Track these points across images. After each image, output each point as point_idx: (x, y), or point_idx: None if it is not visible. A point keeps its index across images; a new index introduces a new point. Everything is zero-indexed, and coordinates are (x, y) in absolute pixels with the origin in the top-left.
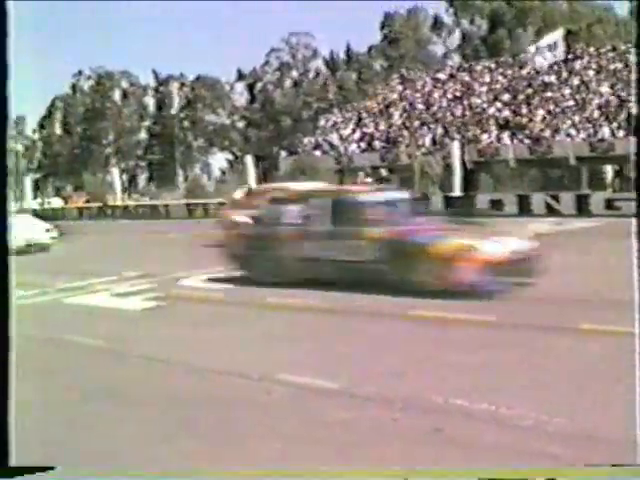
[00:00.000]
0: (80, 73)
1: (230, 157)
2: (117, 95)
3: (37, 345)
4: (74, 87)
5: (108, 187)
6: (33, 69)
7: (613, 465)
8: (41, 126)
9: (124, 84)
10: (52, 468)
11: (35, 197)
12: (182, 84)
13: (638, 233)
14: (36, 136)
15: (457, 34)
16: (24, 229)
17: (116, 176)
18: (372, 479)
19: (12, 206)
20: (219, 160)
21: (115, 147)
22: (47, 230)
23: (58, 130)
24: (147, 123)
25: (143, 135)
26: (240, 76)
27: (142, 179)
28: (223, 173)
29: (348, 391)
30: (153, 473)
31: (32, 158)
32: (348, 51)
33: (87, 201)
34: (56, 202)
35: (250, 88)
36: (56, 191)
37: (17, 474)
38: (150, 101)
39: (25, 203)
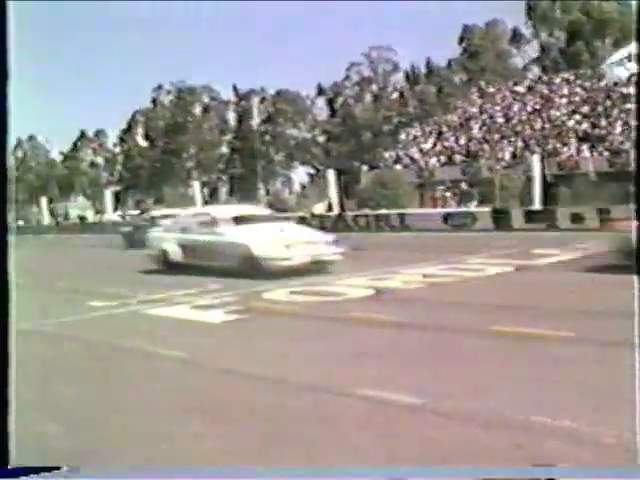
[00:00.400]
0: (160, 87)
1: (311, 171)
2: (198, 109)
3: (121, 355)
4: (154, 101)
5: (189, 200)
6: (115, 84)
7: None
8: (121, 139)
9: (205, 99)
10: (53, 468)
11: (115, 209)
12: (263, 98)
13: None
14: (117, 149)
15: (536, 46)
16: None
17: (197, 189)
18: (372, 479)
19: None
20: (300, 174)
21: (196, 161)
22: None
23: (139, 143)
24: (228, 137)
25: (224, 149)
26: (320, 91)
27: (223, 192)
28: (304, 187)
29: (429, 406)
30: (153, 471)
31: (113, 171)
32: (428, 64)
33: None
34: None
35: (331, 102)
36: (136, 204)
37: (17, 474)
38: (231, 115)
39: (106, 215)
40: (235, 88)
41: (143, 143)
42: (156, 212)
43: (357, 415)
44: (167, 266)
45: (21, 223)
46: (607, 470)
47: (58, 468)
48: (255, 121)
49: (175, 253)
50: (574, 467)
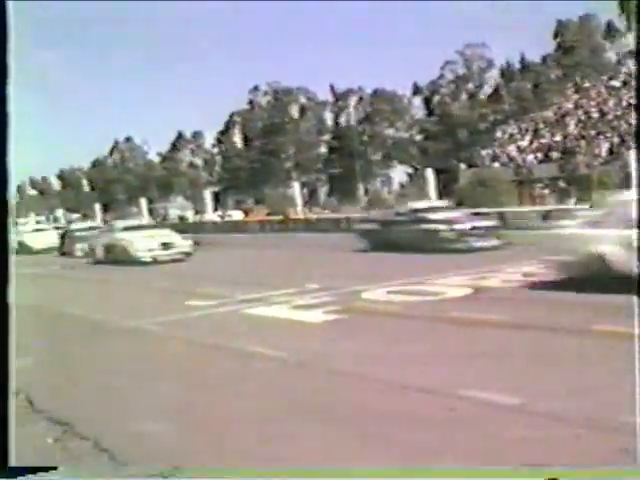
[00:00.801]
0: (256, 89)
1: (410, 170)
2: (295, 110)
3: (222, 355)
4: (251, 102)
5: (289, 201)
6: (211, 86)
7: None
8: (219, 140)
9: (302, 99)
10: (52, 468)
11: (215, 209)
12: (360, 98)
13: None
14: (215, 150)
15: (630, 40)
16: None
17: (297, 189)
18: (373, 479)
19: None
20: (399, 173)
21: (295, 161)
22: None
23: (236, 144)
24: (326, 137)
25: (322, 149)
26: (417, 90)
27: (322, 192)
28: (402, 186)
29: (528, 407)
30: (153, 472)
31: (212, 172)
32: (522, 61)
33: (268, 214)
34: (237, 215)
35: (427, 101)
36: (236, 204)
37: (17, 474)
38: (328, 116)
39: (206, 215)
40: (332, 88)
41: (240, 144)
42: (421, 204)
43: (459, 416)
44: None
45: None
46: (607, 470)
47: (55, 468)
48: (352, 121)
49: None
50: (574, 467)
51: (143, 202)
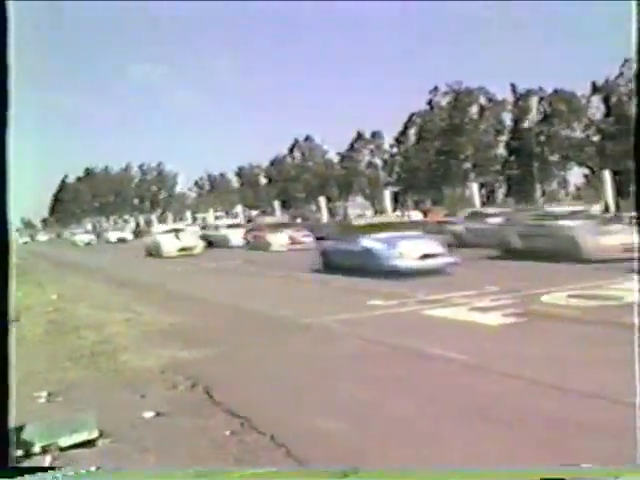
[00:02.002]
0: (436, 89)
1: (586, 172)
2: (474, 110)
3: (400, 355)
4: (430, 103)
5: (466, 201)
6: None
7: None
8: (397, 141)
9: (481, 100)
10: (52, 468)
11: (394, 210)
12: (541, 98)
13: None
14: (394, 150)
15: None
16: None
17: (475, 190)
18: (373, 479)
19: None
20: (575, 175)
21: (473, 162)
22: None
23: (415, 145)
24: (504, 138)
25: (501, 150)
26: (595, 89)
27: (500, 194)
28: (578, 189)
29: None
30: (153, 473)
31: (391, 172)
32: None
33: (446, 215)
34: (416, 215)
35: (605, 101)
36: (415, 204)
37: (17, 474)
38: (507, 116)
39: (385, 215)
40: (514, 88)
41: (419, 145)
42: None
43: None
44: None
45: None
46: (607, 470)
47: (53, 468)
48: (531, 121)
49: None
50: (574, 467)
51: (322, 201)
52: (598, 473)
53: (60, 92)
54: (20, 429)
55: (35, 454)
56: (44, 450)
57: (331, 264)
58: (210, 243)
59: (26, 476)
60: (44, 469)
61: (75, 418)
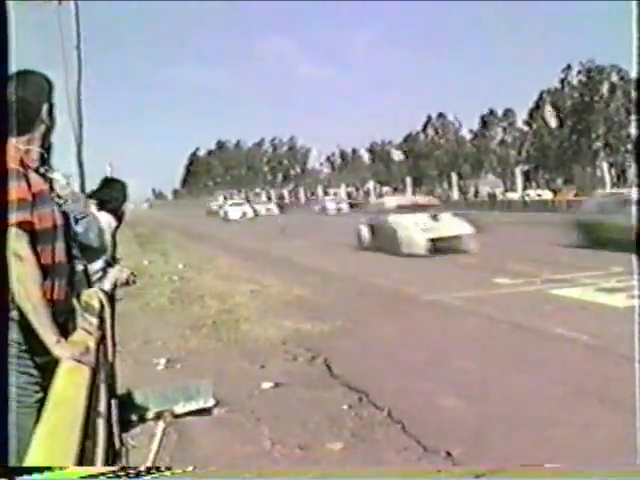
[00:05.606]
0: (569, 67)
1: None
2: (605, 89)
3: (522, 334)
4: (562, 81)
5: (597, 181)
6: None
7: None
8: (530, 118)
9: (614, 78)
10: (49, 469)
11: (525, 188)
12: None
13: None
14: (525, 128)
15: None
16: None
17: (605, 170)
18: (373, 479)
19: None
20: None
21: (604, 141)
22: None
23: (547, 123)
24: (636, 117)
25: (632, 129)
26: None
27: (631, 173)
28: None
29: None
30: (154, 474)
31: (521, 150)
32: None
33: (576, 195)
34: (546, 194)
35: None
36: (547, 183)
37: (17, 474)
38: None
39: (512, 194)
40: None
41: (552, 123)
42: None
43: None
44: None
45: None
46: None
47: (52, 469)
48: None
49: None
50: (574, 467)
51: (454, 178)
52: (598, 473)
53: (192, 67)
54: (133, 394)
55: (148, 419)
56: (157, 416)
57: None
58: None
59: (26, 476)
60: (44, 469)
61: (191, 385)
